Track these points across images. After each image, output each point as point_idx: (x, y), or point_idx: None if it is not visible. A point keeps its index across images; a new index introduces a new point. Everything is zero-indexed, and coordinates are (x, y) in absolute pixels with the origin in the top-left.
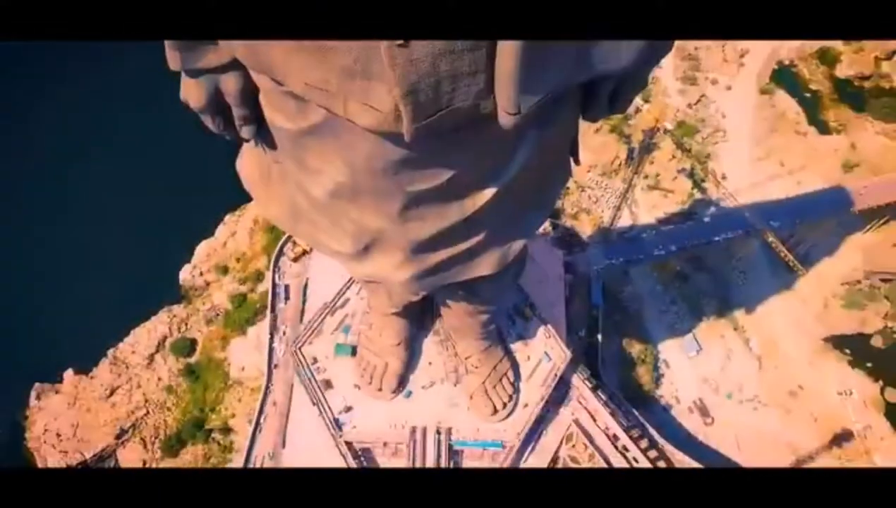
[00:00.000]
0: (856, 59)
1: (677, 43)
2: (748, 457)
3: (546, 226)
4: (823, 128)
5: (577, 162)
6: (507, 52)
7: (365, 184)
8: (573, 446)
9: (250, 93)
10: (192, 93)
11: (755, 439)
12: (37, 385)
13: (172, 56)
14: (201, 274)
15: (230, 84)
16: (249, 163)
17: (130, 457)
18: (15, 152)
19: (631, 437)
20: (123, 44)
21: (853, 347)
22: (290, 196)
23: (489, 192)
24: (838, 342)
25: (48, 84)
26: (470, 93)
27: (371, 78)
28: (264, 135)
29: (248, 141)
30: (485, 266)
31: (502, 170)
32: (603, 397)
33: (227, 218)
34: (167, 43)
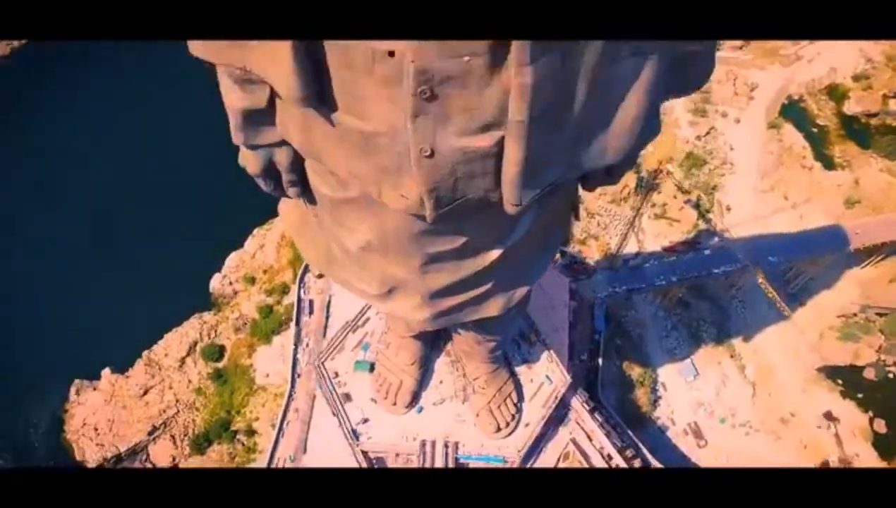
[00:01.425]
0: (864, 96)
1: None
2: None
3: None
4: (829, 164)
5: (577, 218)
6: (511, 159)
7: (392, 245)
8: (570, 464)
9: (299, 164)
10: (249, 161)
11: (745, 462)
12: (76, 381)
13: (236, 134)
14: (230, 283)
15: (282, 157)
16: (291, 211)
17: (161, 452)
18: (65, 163)
19: (624, 457)
20: (166, 53)
21: (846, 378)
22: (325, 244)
23: (496, 252)
24: (831, 372)
25: (87, 88)
26: (481, 188)
27: (402, 174)
28: (307, 195)
29: (293, 198)
30: (491, 308)
31: (508, 235)
32: (599, 419)
33: (256, 231)
34: (232, 123)
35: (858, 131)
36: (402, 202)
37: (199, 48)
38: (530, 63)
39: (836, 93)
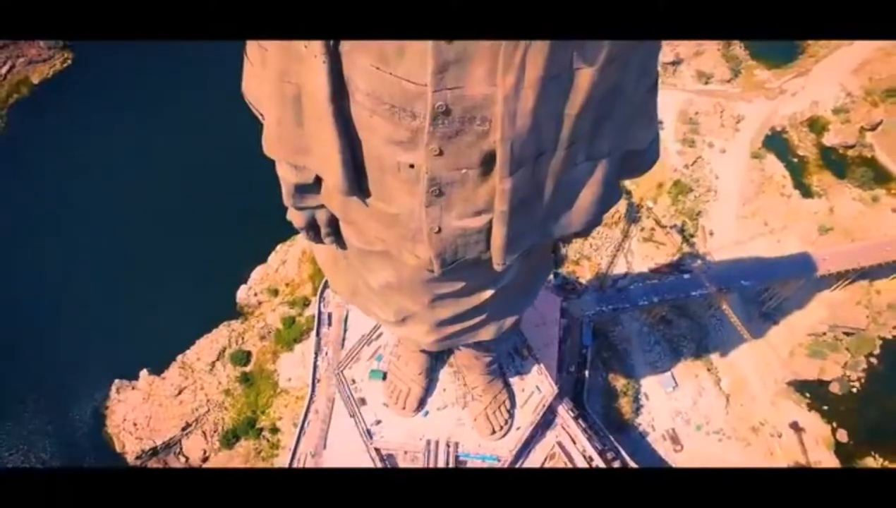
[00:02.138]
0: (842, 128)
1: (680, 107)
2: None
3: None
4: (806, 192)
5: (558, 265)
6: (497, 235)
7: (407, 286)
8: (555, 463)
9: (334, 222)
10: (296, 218)
11: (717, 466)
12: (117, 381)
13: (287, 199)
14: (255, 295)
15: (322, 216)
16: (325, 251)
17: (193, 446)
18: (105, 177)
19: (604, 459)
20: (202, 75)
21: (813, 391)
22: (352, 280)
23: (489, 293)
24: (800, 386)
25: (125, 104)
26: (475, 252)
27: (417, 243)
28: (340, 243)
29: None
30: (486, 334)
31: (498, 281)
32: (583, 424)
33: (279, 247)
34: (284, 191)
35: (836, 162)
36: (416, 261)
37: (272, 150)
38: (509, 175)
39: (816, 126)
